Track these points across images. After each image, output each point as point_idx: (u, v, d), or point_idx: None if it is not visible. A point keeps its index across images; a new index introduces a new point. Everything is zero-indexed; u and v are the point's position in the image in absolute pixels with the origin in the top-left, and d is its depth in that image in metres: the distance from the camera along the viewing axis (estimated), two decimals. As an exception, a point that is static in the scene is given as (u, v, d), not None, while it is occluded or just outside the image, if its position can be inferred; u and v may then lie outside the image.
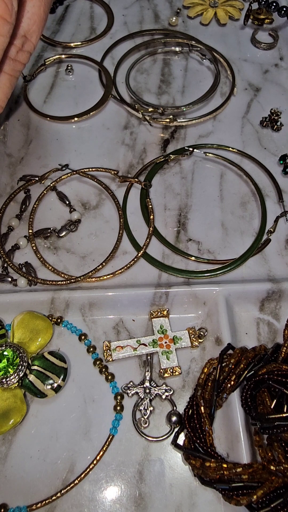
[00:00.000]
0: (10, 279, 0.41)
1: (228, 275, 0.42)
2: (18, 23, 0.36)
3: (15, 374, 0.35)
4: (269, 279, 0.41)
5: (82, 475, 0.34)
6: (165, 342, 0.39)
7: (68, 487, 0.33)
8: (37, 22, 0.37)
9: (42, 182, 0.47)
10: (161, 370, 0.38)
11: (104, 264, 0.42)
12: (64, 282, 0.41)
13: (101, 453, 0.35)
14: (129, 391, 0.37)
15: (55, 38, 0.59)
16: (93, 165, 0.48)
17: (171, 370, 0.38)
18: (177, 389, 0.37)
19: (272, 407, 0.34)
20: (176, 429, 0.35)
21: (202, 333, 0.39)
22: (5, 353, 0.36)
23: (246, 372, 0.35)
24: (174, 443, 0.35)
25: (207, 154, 0.49)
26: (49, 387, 0.36)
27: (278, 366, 0.34)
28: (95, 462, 0.34)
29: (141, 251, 0.43)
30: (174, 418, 0.35)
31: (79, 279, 0.41)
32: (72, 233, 0.44)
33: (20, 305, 0.40)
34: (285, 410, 0.33)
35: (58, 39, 0.58)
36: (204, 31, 0.60)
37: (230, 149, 0.49)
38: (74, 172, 0.47)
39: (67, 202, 0.46)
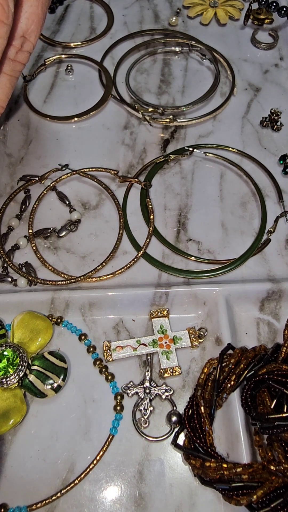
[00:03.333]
0: (10, 279, 0.41)
1: (228, 275, 0.42)
2: (16, 24, 0.36)
3: (15, 374, 0.35)
4: (269, 279, 0.41)
5: (82, 475, 0.34)
6: (165, 342, 0.39)
7: (68, 487, 0.33)
8: (36, 21, 0.37)
9: (42, 182, 0.47)
10: (161, 370, 0.38)
11: (104, 264, 0.42)
12: (64, 282, 0.41)
13: (101, 453, 0.35)
14: (129, 391, 0.37)
15: (55, 38, 0.59)
16: (93, 165, 0.48)
17: (171, 370, 0.38)
18: (177, 389, 0.37)
19: (272, 407, 0.34)
20: (176, 429, 0.35)
21: (202, 333, 0.39)
22: (5, 353, 0.36)
23: (246, 372, 0.35)
24: (174, 443, 0.35)
25: (207, 154, 0.49)
26: (49, 387, 0.36)
27: (278, 366, 0.34)
28: (95, 462, 0.34)
29: (141, 251, 0.43)
30: (174, 418, 0.35)
31: (79, 279, 0.41)
32: (72, 233, 0.44)
33: (20, 305, 0.40)
34: (285, 410, 0.33)
35: (58, 39, 0.58)
36: (204, 31, 0.60)
37: (230, 149, 0.49)
38: (74, 172, 0.47)
39: (67, 202, 0.46)
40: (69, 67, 0.55)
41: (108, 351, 0.38)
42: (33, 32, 0.37)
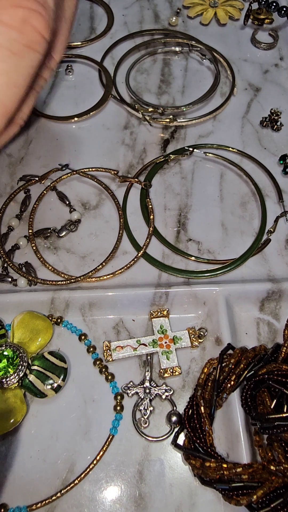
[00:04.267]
0: (10, 279, 0.41)
1: (228, 275, 0.42)
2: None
3: (15, 374, 0.35)
4: (269, 279, 0.41)
5: (82, 475, 0.34)
6: (165, 342, 0.39)
7: (68, 487, 0.33)
8: (62, 40, 0.37)
9: (42, 182, 0.47)
10: (161, 370, 0.38)
11: (104, 264, 0.42)
12: (64, 282, 0.41)
13: (101, 453, 0.35)
14: (129, 391, 0.37)
15: (55, 38, 0.58)
16: (93, 165, 0.48)
17: (171, 370, 0.38)
18: (177, 389, 0.37)
19: (272, 407, 0.34)
20: (176, 429, 0.35)
21: (202, 333, 0.39)
22: (5, 353, 0.36)
23: (246, 372, 0.35)
24: (174, 443, 0.35)
25: (207, 154, 0.49)
26: (49, 387, 0.36)
27: (278, 366, 0.34)
28: (95, 462, 0.34)
29: (141, 251, 0.43)
30: (174, 418, 0.35)
31: (79, 279, 0.41)
32: (72, 233, 0.44)
33: (20, 305, 0.40)
34: (285, 410, 0.33)
35: (58, 39, 0.58)
36: (204, 31, 0.60)
37: (230, 149, 0.49)
38: (74, 172, 0.47)
39: (67, 202, 0.46)
40: (69, 67, 0.55)
41: (108, 351, 0.38)
42: (59, 51, 0.38)
